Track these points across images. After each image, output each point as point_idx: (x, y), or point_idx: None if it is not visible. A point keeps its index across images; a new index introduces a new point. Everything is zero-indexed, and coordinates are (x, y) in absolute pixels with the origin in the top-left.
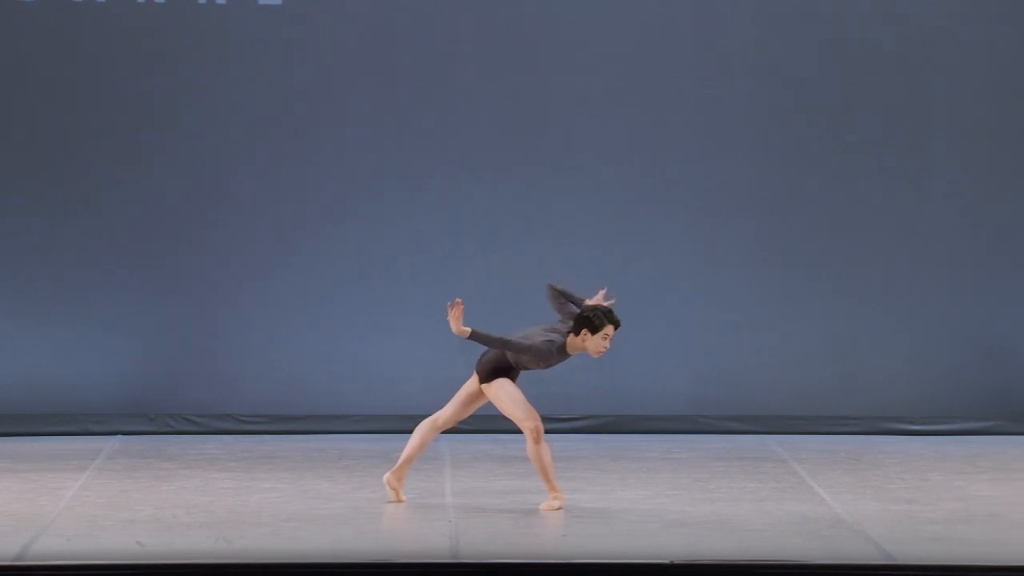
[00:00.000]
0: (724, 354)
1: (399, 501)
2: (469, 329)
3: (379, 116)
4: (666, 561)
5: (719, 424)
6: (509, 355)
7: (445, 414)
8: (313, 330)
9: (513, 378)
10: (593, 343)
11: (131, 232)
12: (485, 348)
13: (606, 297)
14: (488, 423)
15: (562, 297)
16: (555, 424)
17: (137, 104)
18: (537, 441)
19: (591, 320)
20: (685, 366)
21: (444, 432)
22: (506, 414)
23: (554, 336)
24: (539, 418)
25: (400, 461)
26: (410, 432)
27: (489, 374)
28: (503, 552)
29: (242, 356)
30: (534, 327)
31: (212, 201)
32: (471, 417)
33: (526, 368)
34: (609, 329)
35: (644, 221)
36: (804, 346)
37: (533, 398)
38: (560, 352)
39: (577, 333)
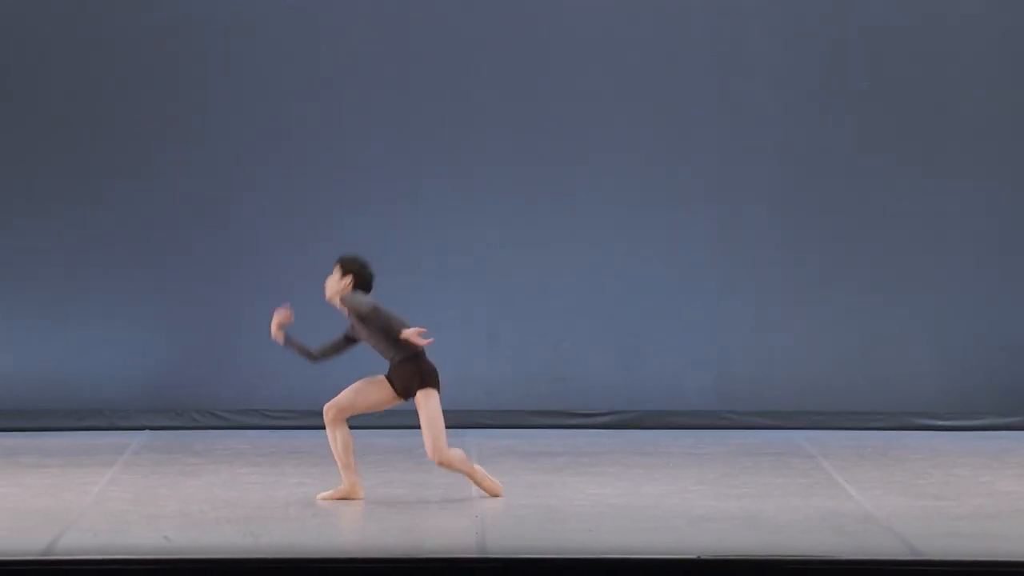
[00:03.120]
0: (749, 350)
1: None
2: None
3: (397, 109)
4: (693, 556)
5: (744, 419)
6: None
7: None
8: (340, 324)
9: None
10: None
11: (156, 228)
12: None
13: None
14: (513, 419)
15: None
16: (578, 420)
17: (152, 100)
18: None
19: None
20: (709, 362)
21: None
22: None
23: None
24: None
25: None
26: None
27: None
28: (529, 548)
29: (268, 351)
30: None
31: (235, 196)
32: (496, 412)
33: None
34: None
35: (668, 218)
36: (830, 342)
37: (554, 395)
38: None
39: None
